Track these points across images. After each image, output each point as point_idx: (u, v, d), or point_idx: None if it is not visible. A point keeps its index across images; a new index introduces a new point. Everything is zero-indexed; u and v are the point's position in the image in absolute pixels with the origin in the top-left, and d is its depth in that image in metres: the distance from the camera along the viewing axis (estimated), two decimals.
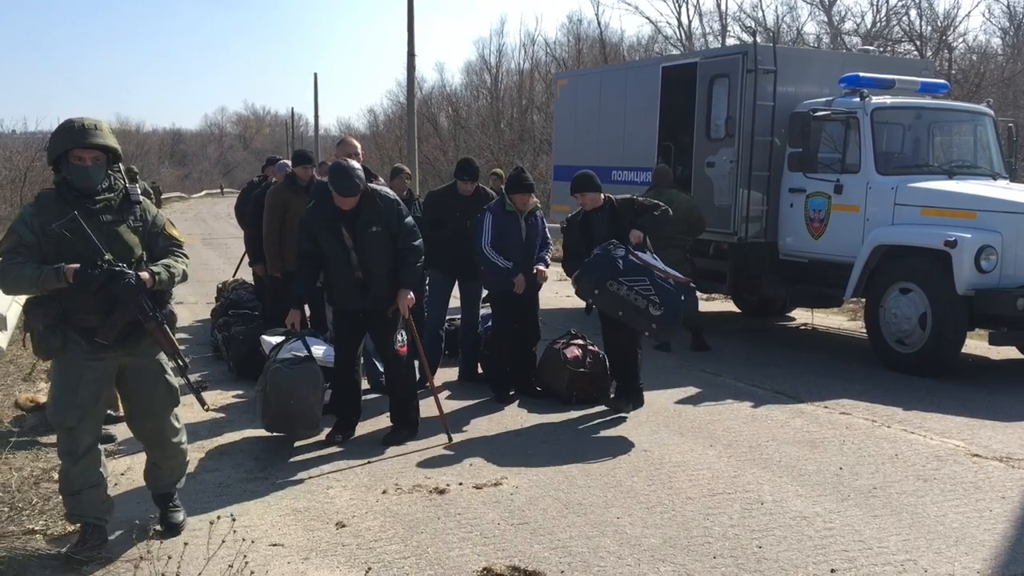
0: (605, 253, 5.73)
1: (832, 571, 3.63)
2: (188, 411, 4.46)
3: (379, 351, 5.78)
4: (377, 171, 7.06)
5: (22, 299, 3.73)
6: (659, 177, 8.53)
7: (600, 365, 6.44)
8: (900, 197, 7.67)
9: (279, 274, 7.14)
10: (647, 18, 68.54)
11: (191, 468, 4.31)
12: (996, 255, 6.97)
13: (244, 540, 3.67)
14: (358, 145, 6.42)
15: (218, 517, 3.76)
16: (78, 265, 3.46)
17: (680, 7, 31.45)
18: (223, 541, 3.57)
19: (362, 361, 5.98)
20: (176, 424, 3.94)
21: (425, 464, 5.01)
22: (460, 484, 4.64)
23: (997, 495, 4.54)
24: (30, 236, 3.51)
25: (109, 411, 4.46)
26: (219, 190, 64.89)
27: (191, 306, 10.66)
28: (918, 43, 24.37)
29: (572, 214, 6.32)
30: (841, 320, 10.29)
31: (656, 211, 5.99)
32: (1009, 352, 8.06)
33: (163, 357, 3.83)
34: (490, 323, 6.82)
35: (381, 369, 6.21)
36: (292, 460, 5.06)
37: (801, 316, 10.45)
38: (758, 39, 11.31)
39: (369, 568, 3.60)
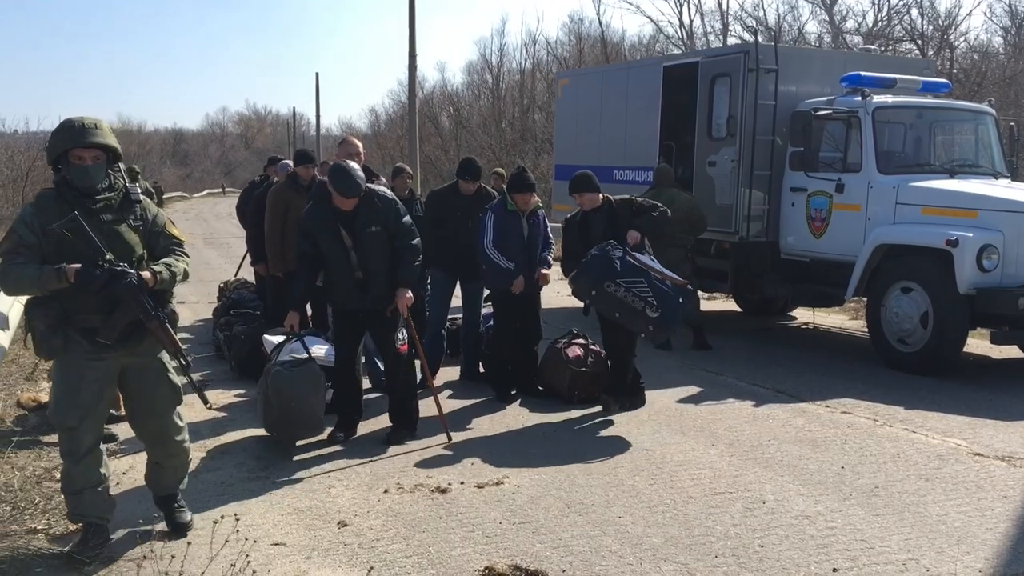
0: (603, 254, 5.72)
1: (834, 570, 3.63)
2: (190, 410, 4.46)
3: (379, 351, 5.79)
4: (379, 170, 7.07)
5: (24, 298, 3.73)
6: (660, 176, 8.53)
7: (602, 365, 6.44)
8: (901, 196, 7.66)
9: (281, 273, 7.15)
10: (648, 17, 68.64)
11: (192, 467, 4.31)
12: (998, 254, 6.97)
13: (246, 539, 3.67)
14: (360, 145, 6.43)
15: (222, 517, 3.76)
16: (79, 265, 3.46)
17: (681, 6, 31.36)
18: (226, 540, 3.58)
19: (363, 360, 5.98)
20: (179, 423, 3.94)
21: (427, 463, 5.01)
22: (462, 483, 4.64)
23: (999, 494, 4.54)
24: (30, 236, 3.50)
25: (111, 410, 4.46)
26: (221, 190, 64.87)
27: (193, 305, 10.66)
28: (919, 42, 24.34)
29: (571, 215, 6.32)
30: (842, 319, 10.29)
31: (654, 212, 5.98)
32: (1010, 351, 8.06)
33: (165, 356, 3.83)
34: (491, 322, 6.83)
35: (383, 368, 6.22)
36: (294, 459, 5.07)
37: (802, 315, 10.44)
38: (759, 38, 11.33)
39: (371, 567, 3.60)
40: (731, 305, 11.08)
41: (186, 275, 3.81)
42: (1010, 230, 7.02)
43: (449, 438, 5.43)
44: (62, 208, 3.52)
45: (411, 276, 5.37)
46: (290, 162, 8.16)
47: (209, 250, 19.02)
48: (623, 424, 5.88)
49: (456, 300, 7.08)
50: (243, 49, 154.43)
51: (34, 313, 3.58)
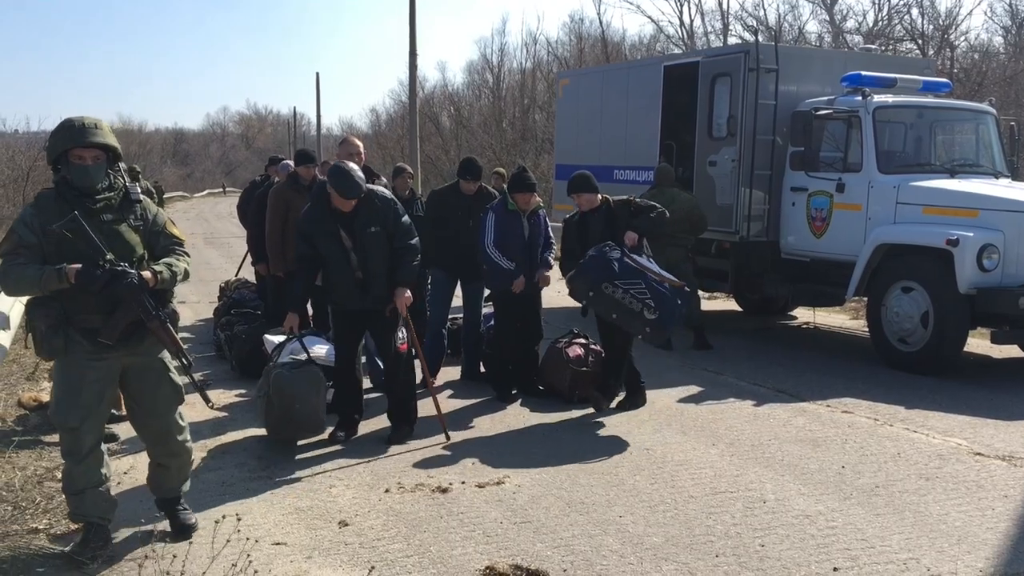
0: (600, 255, 5.70)
1: (835, 570, 3.63)
2: (191, 410, 4.46)
3: (380, 351, 5.79)
4: (379, 170, 7.07)
5: (24, 298, 3.73)
6: (661, 176, 8.53)
7: (602, 365, 6.43)
8: (902, 196, 7.66)
9: (281, 273, 7.15)
10: (649, 17, 68.78)
11: (193, 467, 4.30)
12: (998, 254, 6.97)
13: (248, 539, 3.67)
14: (360, 145, 6.43)
15: (223, 516, 3.76)
16: (80, 265, 3.46)
17: (682, 6, 31.40)
18: (228, 540, 3.58)
19: (364, 360, 5.98)
20: (181, 422, 3.94)
21: (427, 463, 5.01)
22: (462, 483, 4.64)
23: (999, 494, 4.54)
24: (31, 237, 3.50)
25: (113, 410, 4.47)
26: (221, 189, 64.86)
27: (193, 305, 10.67)
28: (920, 42, 24.36)
29: (570, 215, 6.32)
30: (843, 319, 10.29)
31: (652, 212, 5.97)
32: (1011, 351, 8.06)
33: (166, 356, 3.83)
34: (492, 322, 6.83)
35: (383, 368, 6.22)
36: (295, 459, 5.07)
37: (803, 315, 10.44)
38: (760, 38, 11.32)
39: (372, 567, 3.60)
40: (731, 305, 11.08)
41: (187, 275, 3.81)
42: (1010, 230, 7.02)
43: (448, 438, 5.43)
44: (62, 208, 3.52)
45: (410, 276, 5.37)
46: (291, 162, 8.16)
47: (210, 250, 19.02)
48: (624, 424, 5.88)
49: (457, 300, 7.08)
50: (243, 49, 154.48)
51: (35, 313, 3.58)
